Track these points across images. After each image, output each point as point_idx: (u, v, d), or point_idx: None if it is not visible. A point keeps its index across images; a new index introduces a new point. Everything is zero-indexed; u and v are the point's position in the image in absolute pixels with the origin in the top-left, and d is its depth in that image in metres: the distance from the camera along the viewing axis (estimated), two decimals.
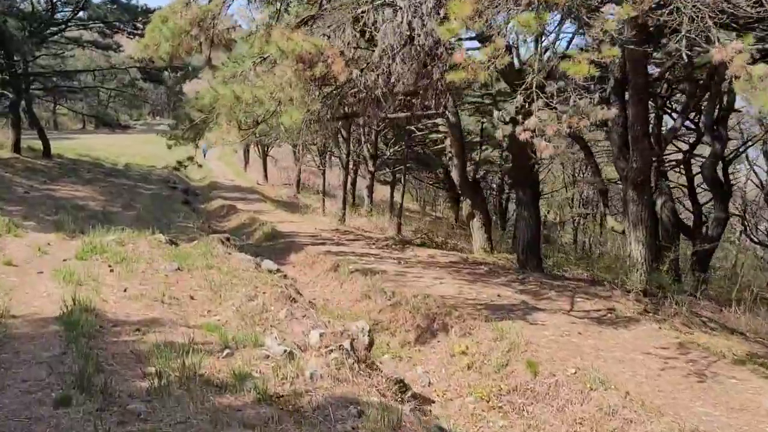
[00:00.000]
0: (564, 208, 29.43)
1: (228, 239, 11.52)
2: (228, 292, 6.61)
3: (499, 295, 7.86)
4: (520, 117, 4.69)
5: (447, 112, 11.83)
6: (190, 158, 11.77)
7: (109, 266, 7.39)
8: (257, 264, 8.89)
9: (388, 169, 28.35)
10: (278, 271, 10.60)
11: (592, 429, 4.62)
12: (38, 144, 22.51)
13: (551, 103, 4.36)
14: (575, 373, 5.04)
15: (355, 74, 5.88)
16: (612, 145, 10.80)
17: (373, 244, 13.56)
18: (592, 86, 5.78)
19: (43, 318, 5.14)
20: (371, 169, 22.67)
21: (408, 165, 23.39)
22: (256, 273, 8.11)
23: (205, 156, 40.11)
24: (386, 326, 7.37)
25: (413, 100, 10.98)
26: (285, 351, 4.59)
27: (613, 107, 9.07)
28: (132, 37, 23.53)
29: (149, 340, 4.72)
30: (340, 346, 4.47)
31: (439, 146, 17.05)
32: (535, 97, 4.35)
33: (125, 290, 6.33)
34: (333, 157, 28.85)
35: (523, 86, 4.50)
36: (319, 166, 25.75)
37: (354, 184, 26.30)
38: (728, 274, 16.93)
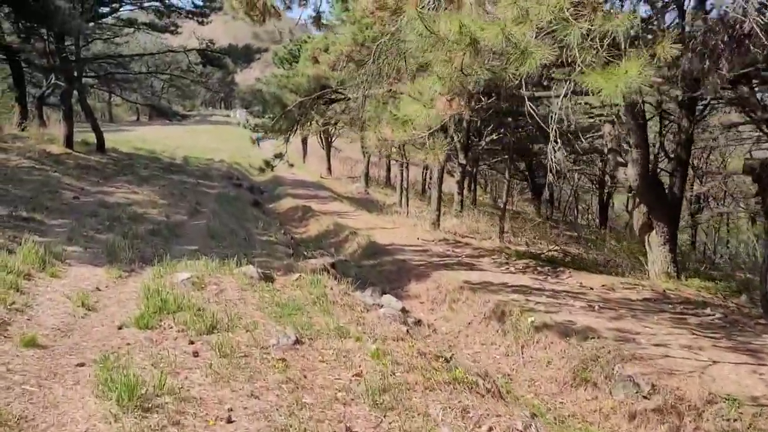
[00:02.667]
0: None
1: (333, 266, 8.60)
2: (407, 412, 3.57)
3: None
4: None
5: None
6: (280, 155, 8.87)
7: (191, 342, 4.51)
8: (407, 324, 5.88)
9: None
10: (404, 311, 7.63)
11: None
12: (93, 137, 20.33)
13: None
14: None
15: None
16: None
17: (507, 263, 10.38)
18: None
19: None
20: (462, 161, 19.42)
21: (503, 157, 20.10)
22: (415, 343, 5.09)
23: (259, 146, 37.75)
24: None
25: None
26: None
27: None
28: (192, 17, 21.00)
29: None
30: None
31: (594, 134, 13.36)
32: None
33: (229, 416, 3.39)
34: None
35: None
36: (402, 159, 22.42)
37: (436, 177, 22.91)
38: None
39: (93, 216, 9.93)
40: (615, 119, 10.77)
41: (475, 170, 25.35)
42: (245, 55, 22.31)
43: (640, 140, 8.80)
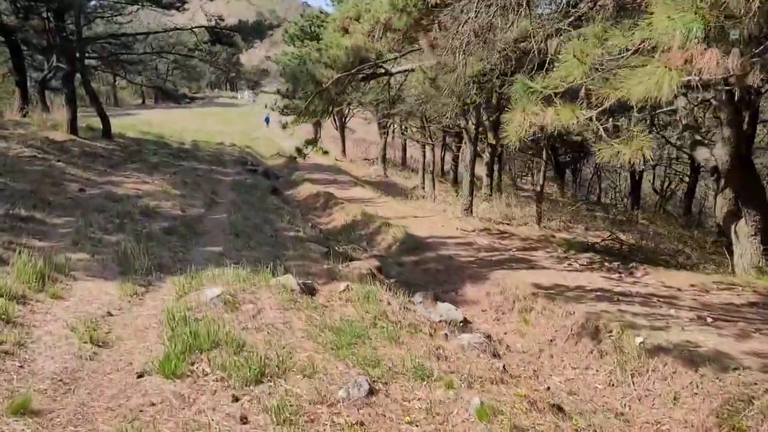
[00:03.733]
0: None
1: (380, 270, 7.45)
2: None
3: None
4: None
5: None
6: (312, 141, 7.66)
7: (235, 399, 3.39)
8: (498, 356, 4.75)
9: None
10: (465, 323, 6.52)
11: None
12: (98, 122, 19.12)
13: None
14: None
15: None
16: None
17: (566, 257, 9.22)
18: None
19: None
20: (492, 141, 18.16)
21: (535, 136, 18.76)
22: (519, 386, 3.94)
23: (267, 125, 36.29)
24: None
25: None
26: None
27: None
28: None
29: None
30: None
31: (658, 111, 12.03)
32: None
33: None
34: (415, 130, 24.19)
35: None
36: (425, 139, 21.14)
37: (468, 160, 21.48)
38: None
39: (101, 212, 8.81)
40: (688, 92, 9.51)
41: (501, 150, 23.98)
42: (256, 32, 20.96)
43: (732, 115, 7.53)
